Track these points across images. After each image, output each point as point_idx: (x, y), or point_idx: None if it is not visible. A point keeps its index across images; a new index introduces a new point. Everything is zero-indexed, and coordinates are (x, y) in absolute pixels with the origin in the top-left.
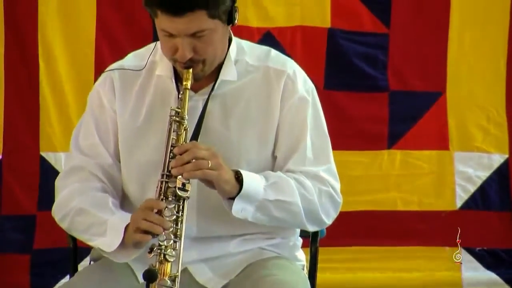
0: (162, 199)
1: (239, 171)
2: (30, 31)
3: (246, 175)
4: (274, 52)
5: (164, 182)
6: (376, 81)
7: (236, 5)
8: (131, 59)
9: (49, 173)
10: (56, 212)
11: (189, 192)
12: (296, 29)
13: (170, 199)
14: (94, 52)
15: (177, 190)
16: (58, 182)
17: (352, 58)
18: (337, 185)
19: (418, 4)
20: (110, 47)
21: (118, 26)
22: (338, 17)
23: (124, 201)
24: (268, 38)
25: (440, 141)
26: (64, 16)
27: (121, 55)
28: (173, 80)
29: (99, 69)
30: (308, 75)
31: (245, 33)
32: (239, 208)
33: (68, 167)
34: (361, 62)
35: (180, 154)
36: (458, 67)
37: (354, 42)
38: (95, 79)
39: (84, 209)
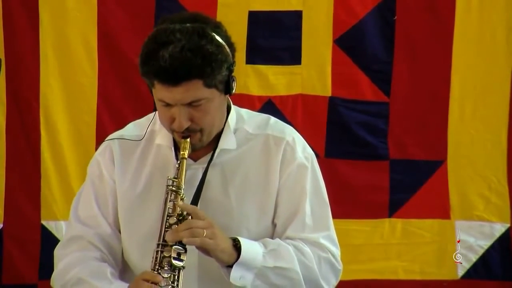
0: (157, 269)
1: (237, 239)
2: (31, 101)
3: (244, 242)
4: (273, 119)
5: (159, 252)
6: (377, 150)
7: (233, 74)
8: (131, 129)
9: (50, 242)
10: (55, 281)
11: (184, 262)
12: (297, 97)
13: (165, 268)
14: (95, 121)
15: (172, 260)
16: (57, 251)
17: (353, 127)
18: (337, 252)
19: (419, 73)
20: (111, 116)
21: (120, 95)
22: (338, 85)
23: (125, 270)
24: (269, 106)
25: (441, 210)
26: (66, 86)
27: (122, 125)
28: (172, 149)
29: (100, 138)
30: (309, 143)
31: (246, 101)
32: (237, 275)
33: (68, 237)
34: (362, 131)
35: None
36: (459, 135)
37: (354, 110)
38: (97, 148)
39: (82, 279)
